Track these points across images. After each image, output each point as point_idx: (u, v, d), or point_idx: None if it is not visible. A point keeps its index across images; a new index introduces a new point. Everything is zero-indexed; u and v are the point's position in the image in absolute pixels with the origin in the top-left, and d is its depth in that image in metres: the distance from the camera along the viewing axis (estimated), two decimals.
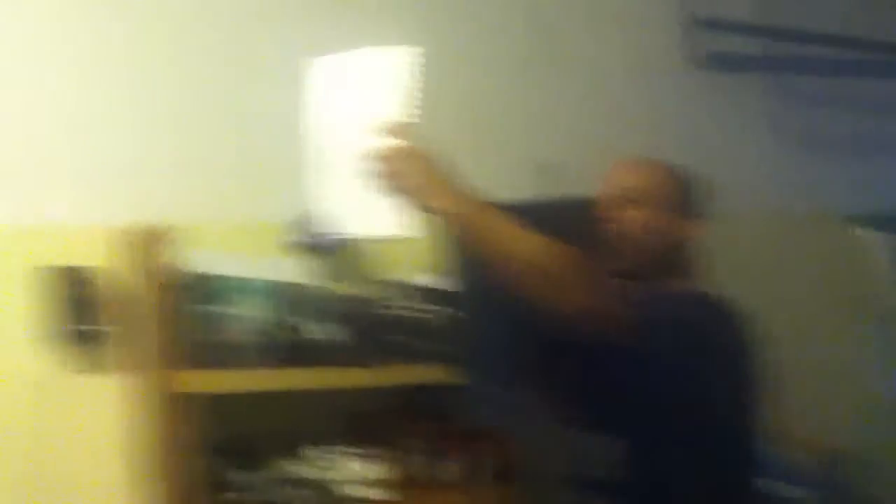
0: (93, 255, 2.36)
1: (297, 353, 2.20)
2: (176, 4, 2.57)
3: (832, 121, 3.59)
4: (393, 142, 1.57)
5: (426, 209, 1.57)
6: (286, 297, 2.26)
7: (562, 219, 1.82)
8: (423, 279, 2.34)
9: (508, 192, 2.67)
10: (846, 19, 3.52)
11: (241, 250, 2.38)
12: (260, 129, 2.56)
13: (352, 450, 2.25)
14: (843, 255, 3.54)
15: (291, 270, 2.32)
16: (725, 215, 3.16)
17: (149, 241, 2.19)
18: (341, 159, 1.62)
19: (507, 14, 2.97)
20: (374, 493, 2.25)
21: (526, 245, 1.58)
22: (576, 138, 3.00)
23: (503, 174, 2.83)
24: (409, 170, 1.56)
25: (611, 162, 2.04)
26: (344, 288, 2.47)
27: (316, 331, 2.19)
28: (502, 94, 2.94)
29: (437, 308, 2.24)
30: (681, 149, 3.08)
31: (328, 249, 2.38)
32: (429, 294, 2.29)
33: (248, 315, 2.20)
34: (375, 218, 1.60)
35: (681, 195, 1.98)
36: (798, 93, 3.56)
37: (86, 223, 2.39)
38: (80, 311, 2.31)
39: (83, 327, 2.31)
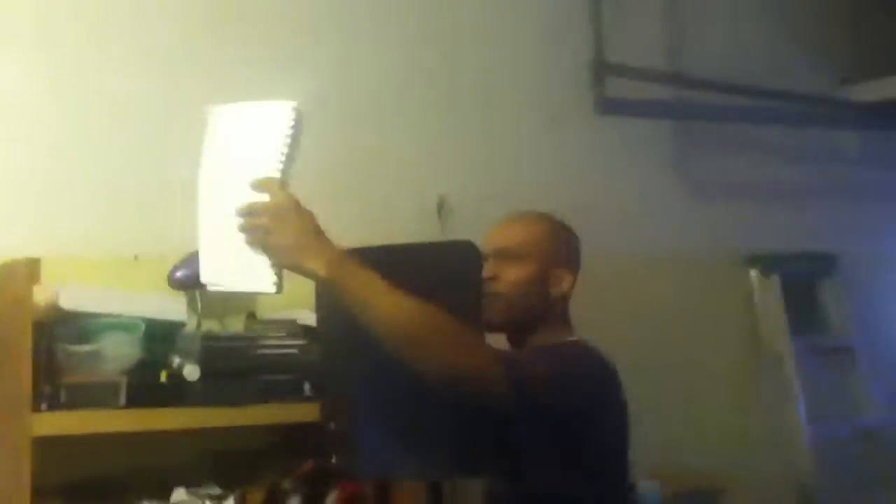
0: None
1: (165, 392, 2.15)
2: (62, 39, 2.53)
3: (731, 166, 3.68)
4: (265, 198, 1.55)
5: (294, 269, 1.55)
6: (155, 334, 2.21)
7: (444, 260, 1.80)
8: (296, 315, 2.32)
9: (410, 232, 2.72)
10: (750, 69, 3.62)
11: (110, 286, 2.34)
12: (137, 167, 2.52)
13: (221, 490, 2.20)
14: (737, 295, 3.62)
15: (161, 307, 2.28)
16: (624, 256, 3.24)
17: (13, 275, 2.13)
18: (220, 210, 1.60)
19: (412, 56, 2.97)
20: None
21: (392, 307, 1.56)
22: (478, 179, 3.01)
23: (405, 216, 2.85)
24: (279, 228, 1.54)
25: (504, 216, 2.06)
26: (214, 325, 2.44)
27: (185, 369, 2.14)
28: (406, 136, 2.94)
29: (308, 344, 2.21)
30: (585, 192, 3.17)
31: (199, 285, 2.35)
32: (301, 331, 2.26)
33: (115, 353, 2.14)
34: (249, 272, 1.57)
35: (557, 247, 1.98)
36: (700, 139, 3.64)
37: None
38: None
39: None
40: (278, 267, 1.55)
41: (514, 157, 3.11)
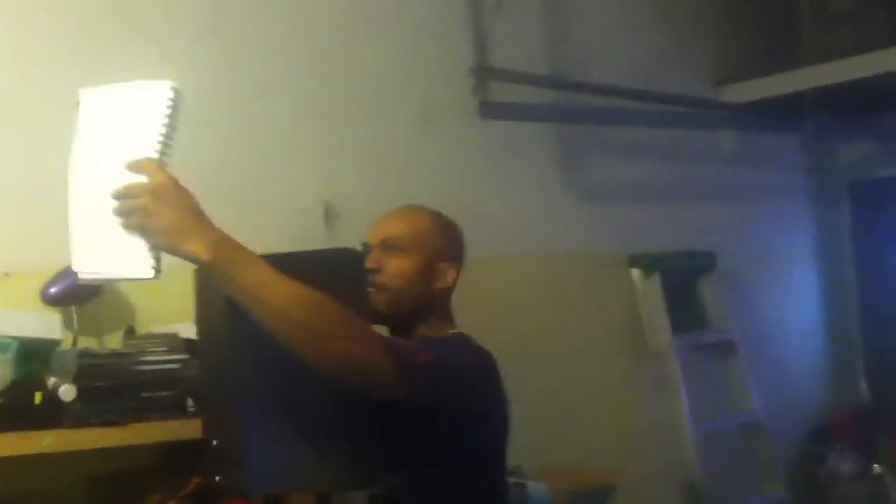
0: None
1: (40, 413, 2.07)
2: None
3: (613, 168, 3.75)
4: (143, 179, 1.49)
5: (174, 252, 1.49)
6: (29, 353, 2.13)
7: (326, 268, 1.78)
8: (178, 329, 2.26)
9: (296, 240, 2.68)
10: (629, 72, 3.69)
11: None
12: (7, 176, 2.41)
13: None
14: (620, 294, 3.68)
15: (34, 325, 2.19)
16: (507, 257, 3.27)
17: None
18: (93, 195, 1.53)
19: (292, 60, 2.92)
20: None
21: (279, 291, 1.51)
22: (364, 184, 2.98)
23: (290, 219, 2.80)
24: (158, 209, 1.47)
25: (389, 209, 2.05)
26: (91, 342, 2.37)
27: (61, 389, 2.06)
28: (288, 143, 2.90)
29: (190, 359, 2.16)
30: (469, 194, 3.18)
31: (75, 300, 2.27)
32: (183, 345, 2.21)
33: None
34: (125, 258, 1.51)
35: (442, 242, 2.00)
36: (582, 141, 3.69)
37: None
38: None
39: None
40: (157, 250, 1.49)
41: (398, 161, 3.10)
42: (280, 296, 1.51)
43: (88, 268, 1.55)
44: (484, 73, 3.22)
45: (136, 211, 1.48)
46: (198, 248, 1.48)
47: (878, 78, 3.76)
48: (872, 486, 4.14)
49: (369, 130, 3.05)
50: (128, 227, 1.49)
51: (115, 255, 1.52)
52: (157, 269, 1.50)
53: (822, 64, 3.62)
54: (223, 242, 1.51)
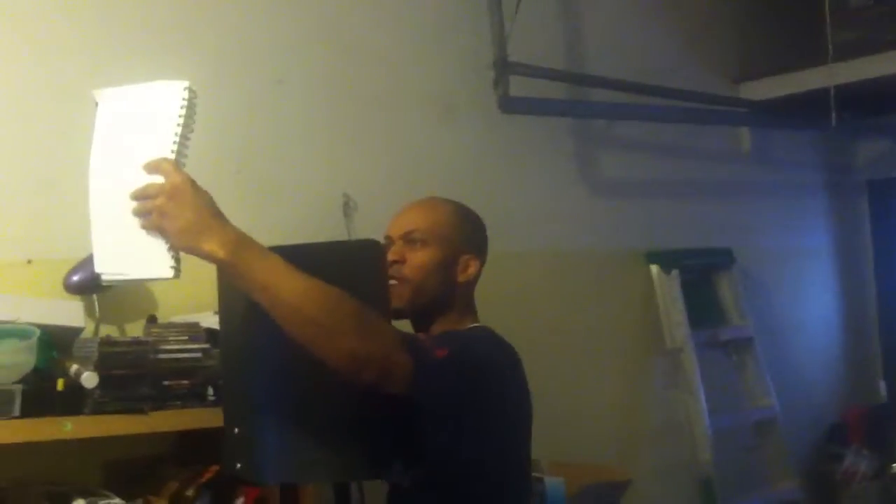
0: None
1: (62, 400, 2.08)
2: None
3: (631, 163, 3.75)
4: (160, 180, 1.51)
5: (192, 251, 1.51)
6: (51, 341, 2.14)
7: (349, 259, 1.79)
8: (199, 318, 2.27)
9: (315, 231, 2.69)
10: (647, 68, 3.68)
11: (2, 291, 2.25)
12: (30, 166, 2.42)
13: (121, 500, 2.14)
14: (637, 290, 3.68)
15: (57, 313, 2.21)
16: (525, 252, 3.27)
17: None
18: (113, 196, 1.55)
19: (313, 53, 2.93)
20: None
21: (295, 288, 1.52)
22: (382, 177, 2.99)
23: (309, 211, 2.81)
24: (175, 209, 1.50)
25: (410, 201, 2.05)
26: (113, 330, 2.38)
27: (83, 376, 2.07)
28: (309, 135, 2.91)
29: (211, 348, 2.17)
30: (487, 189, 3.18)
31: (99, 289, 2.29)
32: (204, 334, 2.22)
33: (9, 361, 2.06)
34: (145, 258, 1.53)
35: (465, 234, 1.99)
36: (600, 137, 3.69)
37: None
38: None
39: None
40: (175, 250, 1.51)
41: (417, 154, 3.11)
42: (296, 292, 1.52)
43: (110, 268, 1.58)
44: (504, 67, 3.23)
45: (153, 211, 1.50)
46: (215, 247, 1.49)
47: None
48: (888, 486, 4.13)
49: (389, 123, 3.06)
50: (146, 227, 1.51)
51: (135, 255, 1.54)
52: (177, 269, 1.52)
53: (842, 62, 3.61)
54: (240, 241, 1.52)
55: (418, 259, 1.92)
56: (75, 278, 2.32)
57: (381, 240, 1.96)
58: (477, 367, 1.76)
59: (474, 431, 1.75)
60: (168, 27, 2.64)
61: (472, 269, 1.97)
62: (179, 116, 1.54)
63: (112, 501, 2.12)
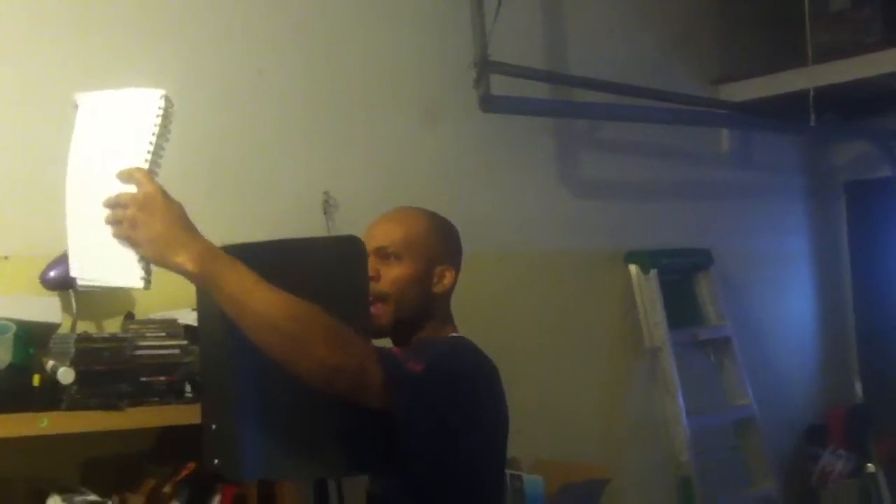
0: None
1: (39, 396, 2.07)
2: None
3: (611, 164, 3.76)
4: (132, 188, 1.51)
5: (161, 263, 1.50)
6: (28, 337, 2.13)
7: (330, 255, 1.78)
8: (177, 315, 2.26)
9: (295, 229, 2.67)
10: (627, 69, 3.69)
11: None
12: (5, 162, 2.41)
13: (98, 497, 2.13)
14: (616, 290, 3.69)
15: (33, 309, 2.19)
16: (504, 252, 3.27)
17: None
18: (88, 202, 1.55)
19: (294, 51, 2.92)
20: None
21: (265, 300, 1.51)
22: (363, 175, 2.99)
23: (289, 209, 2.81)
24: (146, 220, 1.49)
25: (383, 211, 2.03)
26: (90, 327, 2.37)
27: (60, 372, 2.06)
28: (289, 132, 2.90)
29: (188, 345, 2.16)
30: (467, 187, 3.18)
31: (74, 285, 2.27)
32: (182, 331, 2.21)
33: None
34: (117, 267, 1.53)
35: (438, 245, 1.96)
36: (581, 137, 3.70)
37: None
38: None
39: None
40: (146, 261, 1.51)
41: (398, 153, 3.10)
42: (266, 303, 1.51)
43: (84, 274, 1.58)
44: (485, 65, 3.23)
45: (124, 221, 1.50)
46: (184, 259, 1.49)
47: (875, 79, 3.78)
48: (865, 486, 4.16)
49: (370, 121, 3.05)
50: (117, 236, 1.51)
51: (108, 262, 1.54)
52: (147, 281, 1.52)
53: (821, 64, 3.63)
54: (209, 254, 1.51)
55: (393, 274, 1.89)
56: (52, 274, 2.30)
57: None
58: (452, 380, 1.75)
59: (449, 443, 1.74)
60: (146, 19, 2.63)
61: (447, 280, 1.94)
62: (154, 125, 1.53)
63: (89, 498, 2.11)
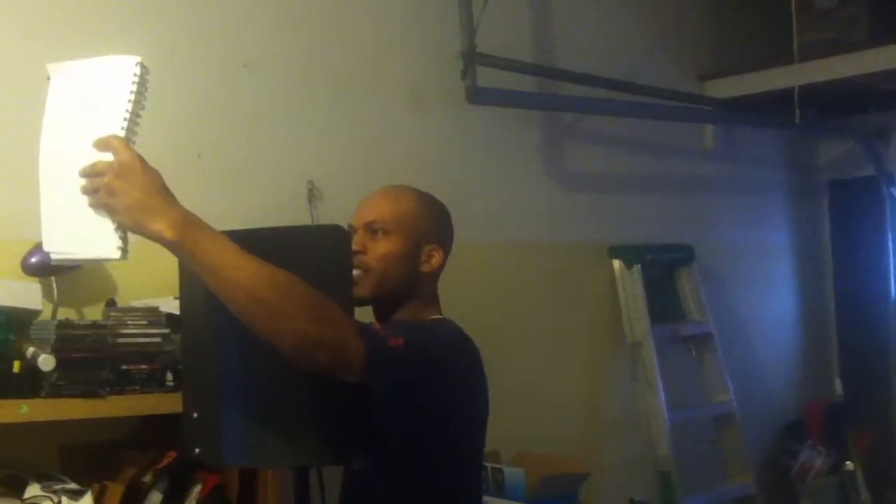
0: None
1: (19, 382, 2.05)
2: None
3: (596, 158, 3.76)
4: (108, 157, 1.49)
5: (139, 230, 1.49)
6: (8, 323, 2.11)
7: (313, 244, 1.78)
8: (159, 303, 2.25)
9: (280, 219, 2.66)
10: (614, 63, 3.69)
11: None
12: None
13: (77, 485, 2.12)
14: (599, 283, 3.70)
15: (14, 294, 2.18)
16: (488, 242, 3.27)
17: None
18: (62, 173, 1.53)
19: (279, 41, 2.91)
20: None
21: (244, 270, 1.50)
22: (348, 165, 2.98)
23: (274, 197, 2.80)
24: (123, 187, 1.47)
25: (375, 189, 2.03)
26: (71, 313, 2.36)
27: (40, 359, 2.04)
28: (274, 122, 2.88)
29: (170, 333, 2.15)
30: (452, 178, 3.18)
31: (55, 270, 2.26)
32: (164, 319, 2.20)
33: None
34: (93, 238, 1.51)
35: (429, 223, 1.98)
36: (567, 130, 3.70)
37: None
38: None
39: None
40: (123, 230, 1.49)
41: (383, 143, 3.10)
42: (245, 275, 1.50)
43: (58, 247, 1.55)
44: (472, 57, 3.22)
45: (100, 189, 1.48)
46: (162, 226, 1.47)
47: (859, 77, 3.80)
48: (843, 482, 4.19)
49: (356, 111, 3.05)
50: (93, 205, 1.49)
51: (83, 234, 1.51)
52: (124, 250, 1.50)
53: (806, 62, 3.65)
54: (188, 221, 1.50)
55: (380, 249, 1.90)
56: (33, 260, 2.28)
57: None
58: (432, 357, 1.75)
59: (427, 421, 1.75)
60: (127, 8, 2.61)
61: (435, 260, 1.95)
62: (130, 93, 1.51)
63: (68, 486, 2.10)
